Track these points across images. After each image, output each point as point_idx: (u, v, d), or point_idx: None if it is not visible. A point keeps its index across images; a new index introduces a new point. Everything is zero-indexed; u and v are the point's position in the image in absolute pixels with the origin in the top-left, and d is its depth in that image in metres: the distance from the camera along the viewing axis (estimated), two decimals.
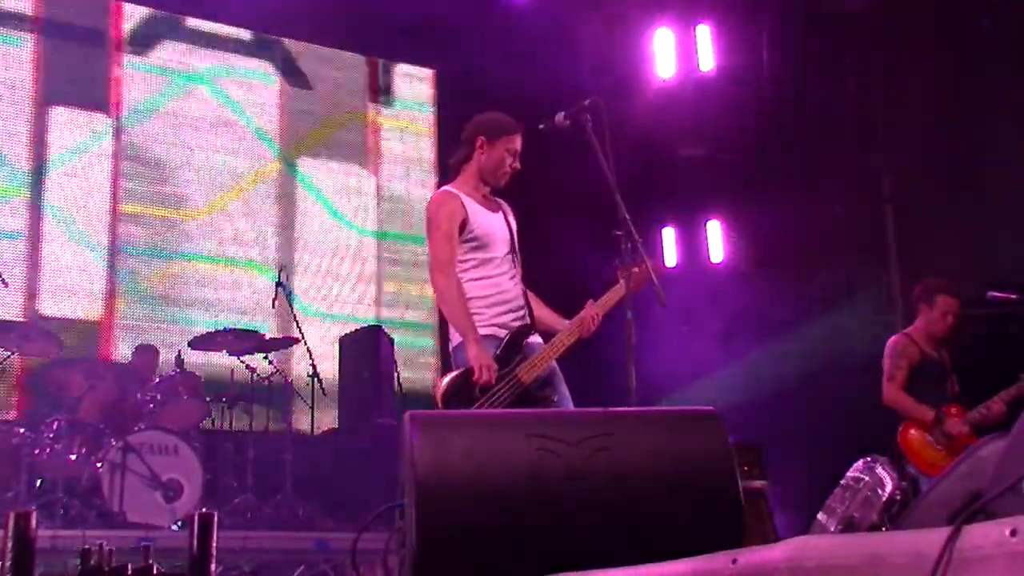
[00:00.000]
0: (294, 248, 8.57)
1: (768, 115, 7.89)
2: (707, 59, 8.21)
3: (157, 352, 6.96)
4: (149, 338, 7.36)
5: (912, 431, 5.51)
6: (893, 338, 5.74)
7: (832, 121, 7.66)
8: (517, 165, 4.04)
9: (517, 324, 3.94)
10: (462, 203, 3.97)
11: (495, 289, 3.97)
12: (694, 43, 8.26)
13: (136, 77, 8.20)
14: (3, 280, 5.91)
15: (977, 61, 6.61)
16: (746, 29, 8.11)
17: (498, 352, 3.86)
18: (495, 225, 4.04)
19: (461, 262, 3.98)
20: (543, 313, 4.10)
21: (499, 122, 4.06)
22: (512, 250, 4.08)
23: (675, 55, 8.36)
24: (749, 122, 7.95)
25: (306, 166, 8.81)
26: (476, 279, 3.97)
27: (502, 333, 3.91)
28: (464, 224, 3.95)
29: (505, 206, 4.19)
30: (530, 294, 4.14)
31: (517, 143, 4.04)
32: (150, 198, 8.05)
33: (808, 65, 7.66)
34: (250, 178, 8.53)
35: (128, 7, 8.27)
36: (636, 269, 3.87)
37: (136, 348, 7.02)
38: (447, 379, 3.84)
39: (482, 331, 3.88)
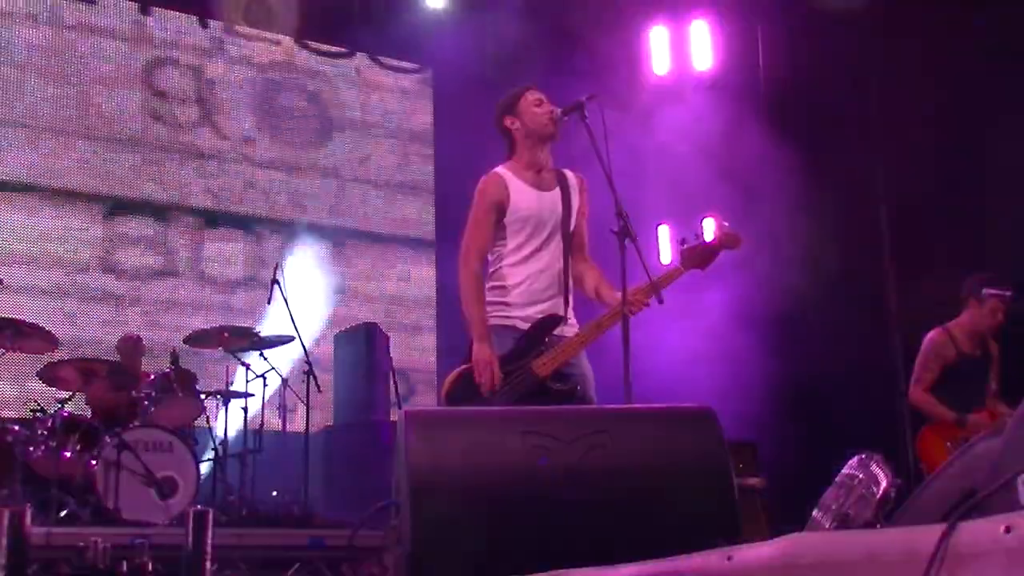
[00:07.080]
0: None
1: (764, 112, 7.88)
2: (702, 56, 8.21)
3: (140, 339, 6.93)
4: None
5: (929, 434, 5.38)
6: (931, 334, 5.49)
7: (828, 118, 7.65)
8: (550, 106, 3.98)
9: (542, 316, 3.86)
10: (505, 185, 3.94)
11: (526, 277, 3.90)
12: (690, 40, 8.26)
13: None
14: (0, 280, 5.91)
15: (974, 58, 6.61)
16: (742, 26, 8.10)
17: (514, 346, 3.81)
18: (543, 205, 3.95)
19: (500, 246, 3.96)
20: (604, 295, 3.94)
21: (509, 93, 4.07)
22: (563, 232, 3.96)
23: (670, 52, 8.35)
24: (745, 119, 7.94)
25: None
26: (512, 264, 3.92)
27: (525, 326, 3.85)
28: (506, 206, 3.92)
29: (571, 180, 4.07)
30: (591, 279, 4.01)
31: (534, 95, 4.02)
32: None
33: (804, 61, 7.65)
34: None
35: None
36: (699, 247, 3.98)
37: (121, 338, 6.97)
38: (452, 375, 3.84)
39: (505, 322, 3.86)
